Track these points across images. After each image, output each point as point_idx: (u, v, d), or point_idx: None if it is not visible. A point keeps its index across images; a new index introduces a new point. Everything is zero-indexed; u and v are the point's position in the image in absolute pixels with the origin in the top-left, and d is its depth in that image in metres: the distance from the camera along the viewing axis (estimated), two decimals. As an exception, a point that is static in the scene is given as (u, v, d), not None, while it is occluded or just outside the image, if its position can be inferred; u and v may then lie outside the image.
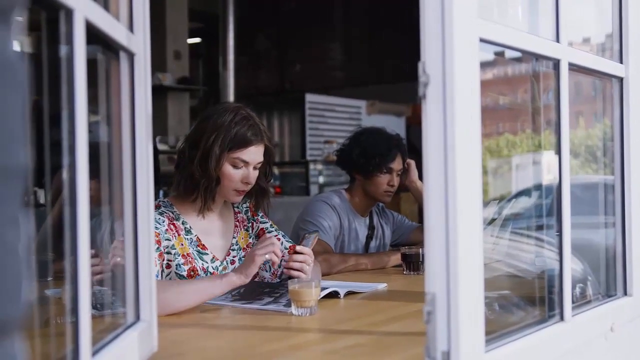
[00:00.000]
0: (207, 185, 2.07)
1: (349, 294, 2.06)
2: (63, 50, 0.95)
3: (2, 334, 0.48)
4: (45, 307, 1.26)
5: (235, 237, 2.23)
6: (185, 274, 2.04)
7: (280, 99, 8.69)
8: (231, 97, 7.64)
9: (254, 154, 2.09)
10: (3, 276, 0.49)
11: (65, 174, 0.96)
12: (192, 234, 2.11)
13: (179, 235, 2.08)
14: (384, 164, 2.80)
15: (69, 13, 0.94)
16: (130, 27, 1.27)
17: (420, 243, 2.81)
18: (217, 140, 2.03)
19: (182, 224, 2.11)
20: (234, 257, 2.20)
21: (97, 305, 1.27)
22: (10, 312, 0.50)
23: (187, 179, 2.09)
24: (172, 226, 2.06)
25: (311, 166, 6.99)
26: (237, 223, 2.26)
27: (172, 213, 2.10)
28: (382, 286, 2.22)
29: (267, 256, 1.88)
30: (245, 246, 2.24)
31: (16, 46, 0.52)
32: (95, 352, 1.03)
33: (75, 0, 0.94)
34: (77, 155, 0.95)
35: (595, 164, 1.96)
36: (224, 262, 2.16)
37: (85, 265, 0.95)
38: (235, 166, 2.07)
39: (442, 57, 1.09)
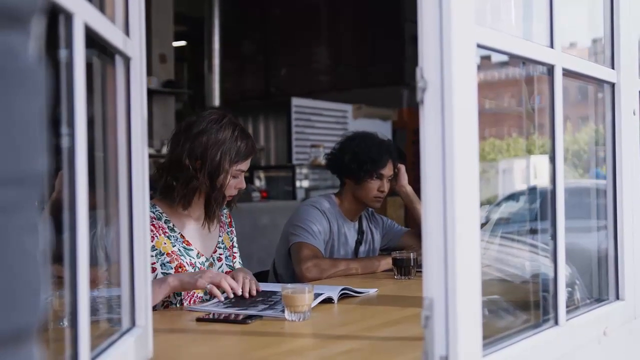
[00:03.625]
0: (217, 198, 2.13)
1: (343, 296, 2.06)
2: (62, 53, 0.94)
3: (21, 342, 0.48)
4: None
5: (221, 236, 2.29)
6: (172, 271, 2.07)
7: (266, 102, 8.66)
8: (217, 101, 7.62)
9: (249, 162, 2.19)
10: (22, 283, 0.48)
11: (63, 178, 0.95)
12: (176, 232, 2.15)
13: (162, 234, 2.11)
14: (376, 169, 2.79)
15: (69, 17, 0.93)
16: (126, 31, 1.26)
17: (409, 247, 2.81)
18: (225, 157, 2.10)
19: (165, 222, 2.14)
20: (220, 254, 2.26)
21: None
22: (29, 320, 0.49)
23: (192, 192, 2.12)
24: (151, 227, 2.07)
25: (297, 170, 6.96)
26: (222, 223, 2.32)
27: (154, 213, 2.13)
28: (373, 291, 2.23)
29: (208, 286, 1.93)
30: (229, 247, 2.31)
31: (34, 52, 0.52)
32: (92, 359, 1.02)
33: (75, 5, 0.93)
34: (76, 159, 0.94)
35: (581, 168, 1.97)
36: (210, 259, 2.21)
37: (84, 272, 0.94)
38: (235, 177, 2.16)
39: (440, 62, 1.09)
